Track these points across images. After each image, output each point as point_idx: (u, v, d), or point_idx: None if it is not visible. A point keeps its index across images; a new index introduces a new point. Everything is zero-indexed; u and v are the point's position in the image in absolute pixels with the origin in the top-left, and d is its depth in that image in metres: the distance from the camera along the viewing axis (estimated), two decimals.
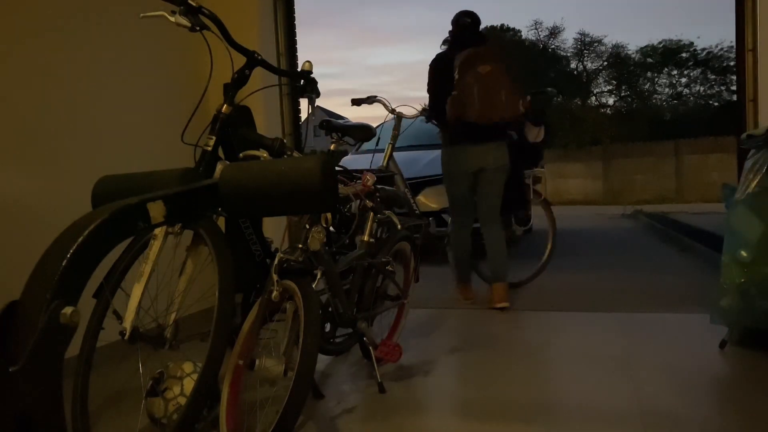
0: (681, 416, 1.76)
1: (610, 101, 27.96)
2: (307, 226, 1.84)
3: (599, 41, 27.36)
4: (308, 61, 2.01)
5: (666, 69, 26.48)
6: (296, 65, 3.67)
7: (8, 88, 2.21)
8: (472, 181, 3.34)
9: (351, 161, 5.21)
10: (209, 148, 1.72)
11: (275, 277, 1.65)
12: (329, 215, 2.03)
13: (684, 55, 25.93)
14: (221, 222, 1.72)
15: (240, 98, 1.83)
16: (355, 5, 64.76)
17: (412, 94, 70.10)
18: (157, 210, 1.26)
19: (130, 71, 2.80)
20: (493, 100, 3.09)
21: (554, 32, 28.17)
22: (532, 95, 3.56)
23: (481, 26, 3.53)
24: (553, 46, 28.39)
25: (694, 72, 26.09)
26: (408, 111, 3.94)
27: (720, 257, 2.37)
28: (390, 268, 2.32)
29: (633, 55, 27.02)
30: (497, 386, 2.10)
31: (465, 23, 3.40)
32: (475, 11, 3.44)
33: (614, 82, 27.62)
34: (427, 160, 5.32)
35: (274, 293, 1.64)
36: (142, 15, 1.72)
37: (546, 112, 4.00)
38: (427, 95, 3.49)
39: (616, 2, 44.03)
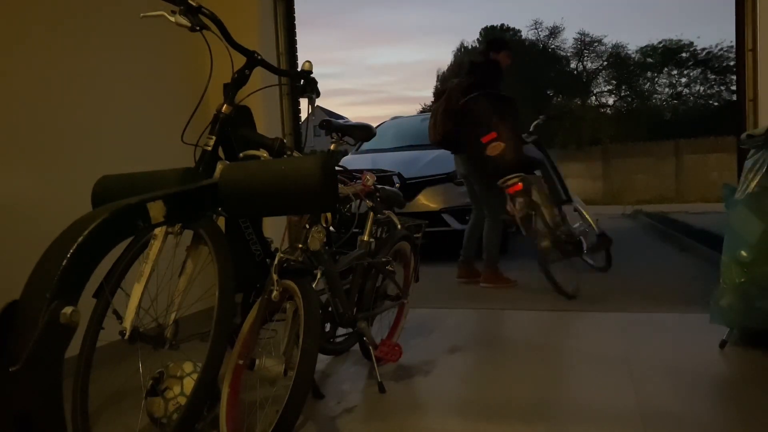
0: (681, 416, 1.76)
1: (610, 101, 28.00)
2: (307, 226, 1.84)
3: (599, 41, 27.42)
4: (308, 61, 2.01)
5: (666, 69, 26.49)
6: (296, 65, 3.67)
7: (8, 87, 2.21)
8: (469, 181, 4.10)
9: None
10: (209, 148, 1.72)
11: (275, 277, 1.65)
12: (329, 215, 2.03)
13: (684, 55, 25.94)
14: (221, 222, 1.72)
15: (240, 98, 1.82)
16: (355, 5, 64.82)
17: (412, 95, 69.97)
18: (157, 210, 1.26)
19: (129, 71, 2.79)
20: (432, 125, 4.00)
21: (554, 32, 28.23)
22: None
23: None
24: (553, 46, 28.43)
25: (694, 72, 26.09)
26: None
27: (720, 257, 2.37)
28: (390, 268, 2.32)
29: (633, 55, 27.06)
30: (497, 386, 2.10)
31: (476, 52, 4.59)
32: (498, 38, 4.08)
33: (614, 82, 27.64)
34: (427, 160, 5.32)
35: (274, 293, 1.64)
36: (142, 15, 1.72)
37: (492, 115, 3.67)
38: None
39: (616, 2, 44.12)
